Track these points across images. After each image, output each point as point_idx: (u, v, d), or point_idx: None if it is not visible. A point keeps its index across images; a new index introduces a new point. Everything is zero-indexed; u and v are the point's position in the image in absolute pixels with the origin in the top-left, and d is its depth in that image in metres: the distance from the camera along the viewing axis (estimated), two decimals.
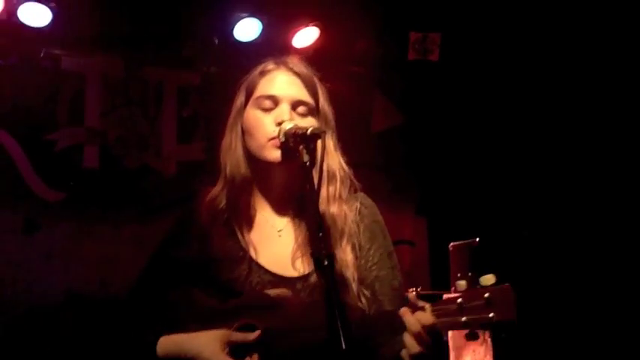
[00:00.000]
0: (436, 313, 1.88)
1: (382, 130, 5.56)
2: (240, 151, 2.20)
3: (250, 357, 2.00)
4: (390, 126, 5.57)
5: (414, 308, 1.91)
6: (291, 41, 4.81)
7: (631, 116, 4.74)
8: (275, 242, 2.20)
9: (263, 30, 4.70)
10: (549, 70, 4.91)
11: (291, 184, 2.23)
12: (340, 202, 2.22)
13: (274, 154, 2.13)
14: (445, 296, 2.00)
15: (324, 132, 2.01)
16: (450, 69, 5.11)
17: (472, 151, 5.18)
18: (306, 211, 2.17)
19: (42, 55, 4.60)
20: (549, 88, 4.95)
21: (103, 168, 4.76)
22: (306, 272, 2.13)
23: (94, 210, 4.62)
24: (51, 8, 4.34)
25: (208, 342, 2.01)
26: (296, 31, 4.81)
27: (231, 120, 2.27)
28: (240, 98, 2.26)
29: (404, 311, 1.90)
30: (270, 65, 2.25)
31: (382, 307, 2.14)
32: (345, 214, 2.22)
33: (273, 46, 4.57)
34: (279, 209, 2.25)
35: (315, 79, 2.29)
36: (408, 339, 1.87)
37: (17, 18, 4.33)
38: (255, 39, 4.71)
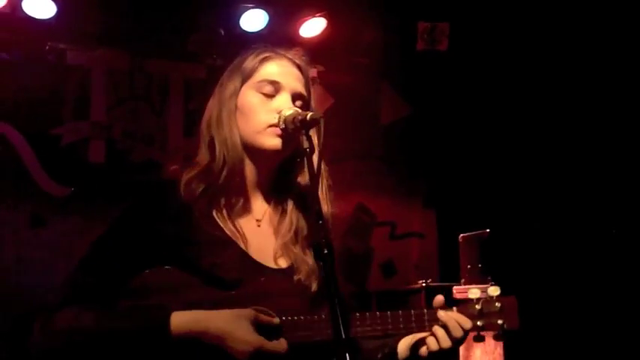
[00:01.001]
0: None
1: (390, 121, 5.53)
2: (235, 131, 2.11)
3: (278, 341, 1.90)
4: (398, 117, 5.54)
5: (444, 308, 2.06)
6: (297, 32, 4.78)
7: None
8: (255, 231, 2.14)
9: (269, 21, 4.67)
10: (558, 59, 4.86)
11: (276, 172, 2.19)
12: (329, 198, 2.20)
13: (273, 142, 2.08)
14: (459, 290, 2.07)
15: (322, 117, 1.97)
16: (458, 59, 5.07)
17: (481, 142, 5.15)
18: (290, 199, 2.16)
19: (47, 48, 4.58)
20: (559, 78, 4.91)
21: (109, 162, 4.74)
22: (286, 266, 2.10)
23: (99, 205, 4.59)
24: (55, 1, 4.32)
25: (237, 320, 1.86)
26: (303, 22, 4.77)
27: (218, 97, 2.17)
28: (235, 80, 2.16)
29: (445, 315, 2.02)
30: (269, 52, 2.19)
31: None
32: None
33: (279, 37, 4.55)
34: (260, 196, 2.19)
35: (309, 76, 2.26)
36: (439, 333, 2.01)
37: (21, 11, 4.31)
38: (262, 30, 4.68)
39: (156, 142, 4.89)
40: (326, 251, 1.78)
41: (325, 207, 2.14)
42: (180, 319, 1.87)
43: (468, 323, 2.02)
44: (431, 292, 4.12)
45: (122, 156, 4.79)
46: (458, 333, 2.00)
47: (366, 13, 4.91)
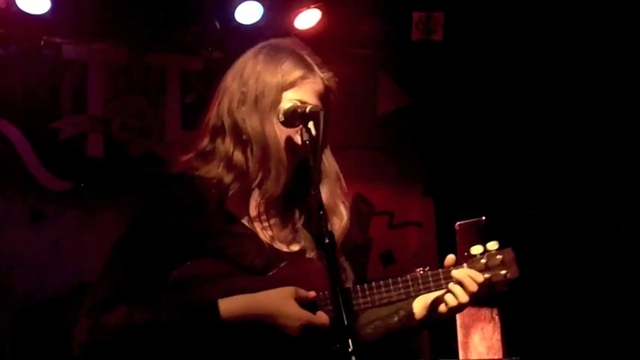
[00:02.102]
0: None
1: (388, 111, 5.54)
2: (280, 136, 2.10)
3: (321, 314, 1.99)
4: (395, 107, 5.56)
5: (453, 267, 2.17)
6: (292, 24, 4.78)
7: None
8: (272, 218, 2.16)
9: (264, 13, 4.67)
10: (554, 49, 4.87)
11: (289, 181, 2.19)
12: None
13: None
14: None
15: (322, 110, 2.01)
16: (454, 49, 5.07)
17: (478, 131, 5.16)
18: (299, 192, 2.18)
19: (42, 43, 4.59)
20: (555, 66, 4.91)
21: (108, 156, 4.75)
22: (298, 249, 2.16)
23: (99, 198, 4.62)
24: None
25: (284, 299, 1.95)
26: (298, 13, 4.77)
27: (259, 104, 2.12)
28: (274, 79, 2.12)
29: (455, 271, 2.14)
30: (307, 69, 2.17)
31: None
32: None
33: (275, 29, 4.54)
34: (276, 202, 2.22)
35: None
36: (457, 290, 2.11)
37: (16, 6, 4.31)
38: (257, 22, 4.68)
39: (154, 135, 4.91)
40: (327, 241, 1.81)
41: (338, 191, 2.19)
42: (229, 305, 1.93)
43: (480, 277, 2.12)
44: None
45: (120, 149, 4.81)
46: (473, 287, 2.10)
47: (361, 3, 4.91)
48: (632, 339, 4.47)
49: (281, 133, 2.11)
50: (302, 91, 2.15)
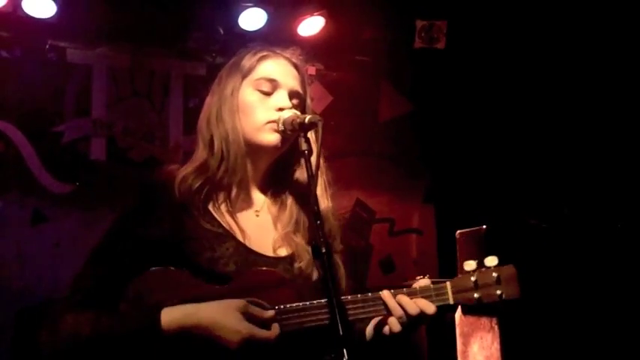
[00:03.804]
0: (454, 289, 2.05)
1: (389, 118, 5.55)
2: (237, 128, 2.15)
3: (270, 329, 1.93)
4: (397, 115, 5.57)
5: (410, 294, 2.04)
6: (296, 30, 4.79)
7: None
8: (253, 222, 2.18)
9: (268, 19, 4.68)
10: (556, 55, 4.88)
11: (272, 167, 2.25)
12: (329, 194, 2.26)
13: (271, 137, 2.13)
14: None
15: (321, 120, 2.02)
16: (456, 57, 5.08)
17: (479, 139, 5.16)
18: (285, 192, 2.21)
19: (47, 47, 4.60)
20: (557, 74, 4.92)
21: (110, 159, 4.76)
22: (287, 254, 2.14)
23: (100, 202, 4.62)
24: (55, 0, 4.33)
25: (226, 311, 1.89)
26: (301, 20, 4.79)
27: (218, 95, 2.22)
28: (234, 78, 2.22)
29: (386, 295, 2.01)
30: (266, 52, 2.25)
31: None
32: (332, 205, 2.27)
33: (278, 36, 4.57)
34: (257, 189, 2.25)
35: (306, 76, 2.31)
36: (391, 320, 2.01)
37: (22, 10, 4.32)
38: (261, 28, 4.69)
39: (156, 140, 4.91)
40: (324, 250, 1.83)
41: (325, 203, 2.19)
42: (171, 315, 1.90)
43: (413, 309, 1.98)
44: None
45: (123, 153, 4.82)
46: (398, 313, 1.98)
47: (365, 11, 4.92)
48: (634, 349, 4.47)
49: (244, 126, 2.15)
50: (259, 72, 2.20)
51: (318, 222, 1.87)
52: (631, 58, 4.67)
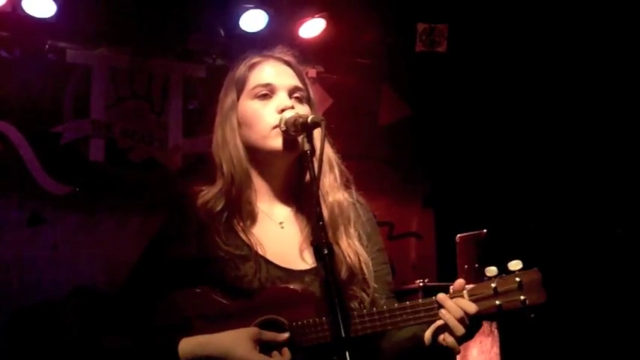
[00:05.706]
0: (472, 298, 1.94)
1: (390, 122, 5.54)
2: (238, 145, 2.16)
3: (281, 353, 1.96)
4: (397, 118, 5.56)
5: (453, 295, 1.96)
6: (297, 32, 4.79)
7: None
8: (278, 235, 2.17)
9: (269, 21, 4.67)
10: (557, 60, 4.87)
11: (291, 174, 2.22)
12: (341, 189, 2.24)
13: (277, 142, 2.11)
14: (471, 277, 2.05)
15: (324, 120, 2.00)
16: (457, 61, 5.08)
17: (479, 144, 5.16)
18: (306, 201, 2.17)
19: (46, 47, 4.59)
20: (557, 78, 4.92)
21: (109, 161, 4.75)
22: (315, 265, 2.09)
23: (99, 203, 4.61)
24: (55, 0, 4.32)
25: (238, 340, 1.93)
26: (302, 23, 4.78)
27: (220, 117, 2.24)
28: (231, 95, 2.22)
29: (442, 297, 1.94)
30: (256, 58, 2.24)
31: (377, 303, 2.14)
32: (347, 201, 2.24)
33: (279, 38, 4.54)
34: (280, 201, 2.23)
35: (301, 68, 2.29)
36: (452, 322, 1.92)
37: (22, 10, 4.31)
38: (261, 30, 4.68)
39: (155, 141, 4.90)
40: (326, 252, 1.81)
41: (339, 195, 2.19)
42: (187, 345, 1.98)
43: (471, 308, 1.91)
44: (428, 292, 4.13)
45: (122, 154, 4.80)
46: (462, 319, 1.92)
47: (366, 14, 4.92)
48: (633, 353, 4.46)
49: (250, 138, 2.16)
50: (253, 80, 2.19)
51: (321, 223, 1.86)
52: (632, 65, 4.67)
